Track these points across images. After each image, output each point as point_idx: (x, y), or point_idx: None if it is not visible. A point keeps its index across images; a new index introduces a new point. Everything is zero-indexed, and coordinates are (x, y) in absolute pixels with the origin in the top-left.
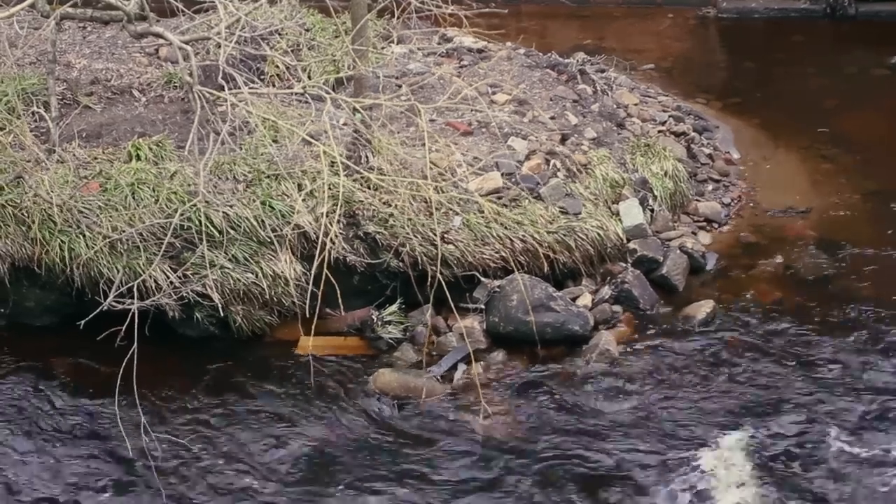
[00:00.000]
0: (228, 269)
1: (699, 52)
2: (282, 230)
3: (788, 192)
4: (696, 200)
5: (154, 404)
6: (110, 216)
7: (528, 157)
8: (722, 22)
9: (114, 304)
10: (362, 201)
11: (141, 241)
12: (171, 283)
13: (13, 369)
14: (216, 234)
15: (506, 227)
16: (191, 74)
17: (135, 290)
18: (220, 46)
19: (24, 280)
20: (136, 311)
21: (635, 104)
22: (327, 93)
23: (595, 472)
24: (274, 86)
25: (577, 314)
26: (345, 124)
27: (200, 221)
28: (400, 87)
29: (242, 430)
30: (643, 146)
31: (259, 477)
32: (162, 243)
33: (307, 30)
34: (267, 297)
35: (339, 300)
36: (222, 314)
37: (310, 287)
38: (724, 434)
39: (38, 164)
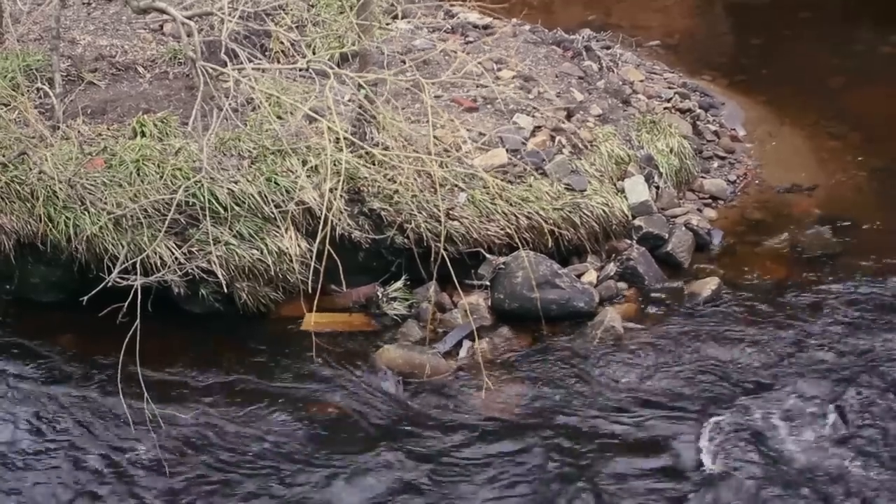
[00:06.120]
0: (233, 245)
1: (705, 29)
2: (286, 206)
3: (794, 170)
4: (702, 177)
5: (158, 380)
6: (115, 192)
7: (533, 134)
8: None
9: (118, 280)
10: (367, 177)
11: (145, 218)
12: (176, 259)
13: (18, 345)
14: (221, 210)
15: (511, 204)
16: (194, 50)
17: (138, 266)
18: (223, 22)
19: (29, 256)
20: (140, 288)
21: (641, 81)
22: (331, 68)
23: (599, 447)
24: (278, 62)
25: (582, 291)
26: (349, 100)
27: (205, 197)
28: (404, 62)
29: (246, 405)
30: (649, 123)
31: (263, 453)
32: (166, 220)
33: (312, 5)
34: (272, 273)
35: (342, 277)
36: (227, 291)
37: (312, 263)
38: (729, 410)
39: (43, 140)
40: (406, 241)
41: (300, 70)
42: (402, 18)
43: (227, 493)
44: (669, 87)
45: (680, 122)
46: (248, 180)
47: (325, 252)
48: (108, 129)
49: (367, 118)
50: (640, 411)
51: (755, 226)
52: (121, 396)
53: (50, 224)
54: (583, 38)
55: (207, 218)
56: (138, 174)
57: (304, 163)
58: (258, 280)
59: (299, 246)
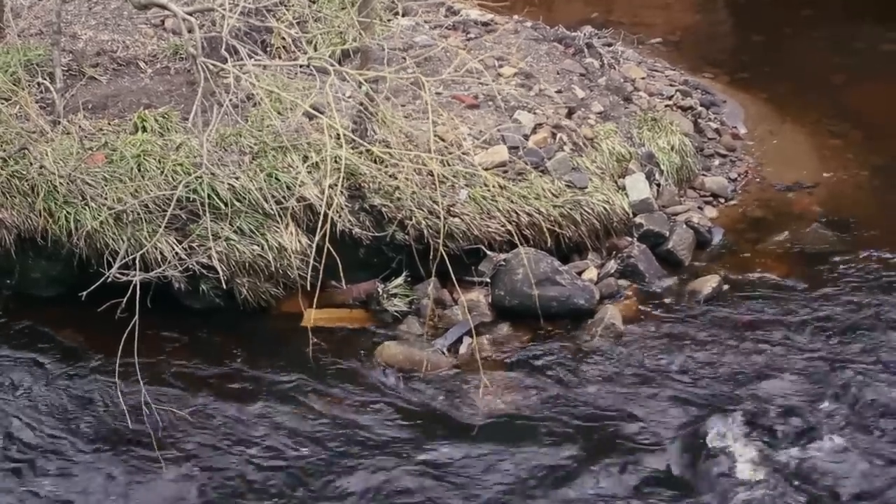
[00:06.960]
0: (234, 240)
1: (707, 26)
2: (287, 202)
3: (796, 168)
4: (703, 175)
5: (157, 375)
6: (115, 188)
7: (534, 131)
8: None
9: (118, 275)
10: (367, 174)
11: (146, 213)
12: (176, 254)
13: (18, 340)
14: (221, 205)
15: (511, 201)
16: (195, 46)
17: (137, 261)
18: (224, 18)
19: (29, 251)
20: (139, 283)
21: (642, 78)
22: (332, 65)
23: (598, 445)
24: (279, 58)
25: (582, 288)
26: (350, 97)
27: (205, 193)
28: (405, 59)
29: (245, 402)
30: (650, 120)
31: (262, 449)
32: (166, 215)
33: (313, 1)
34: (272, 269)
35: (341, 273)
36: (227, 286)
37: (311, 259)
38: (730, 408)
39: (43, 135)
40: (406, 237)
41: (301, 67)
42: (404, 15)
43: (224, 489)
44: (671, 85)
45: (681, 119)
46: (248, 176)
47: (326, 248)
48: (109, 124)
49: (367, 115)
50: (639, 409)
51: (756, 224)
52: (118, 391)
53: (50, 219)
54: (584, 35)
55: (208, 213)
56: (139, 169)
57: (305, 159)
58: (258, 276)
59: (299, 242)
